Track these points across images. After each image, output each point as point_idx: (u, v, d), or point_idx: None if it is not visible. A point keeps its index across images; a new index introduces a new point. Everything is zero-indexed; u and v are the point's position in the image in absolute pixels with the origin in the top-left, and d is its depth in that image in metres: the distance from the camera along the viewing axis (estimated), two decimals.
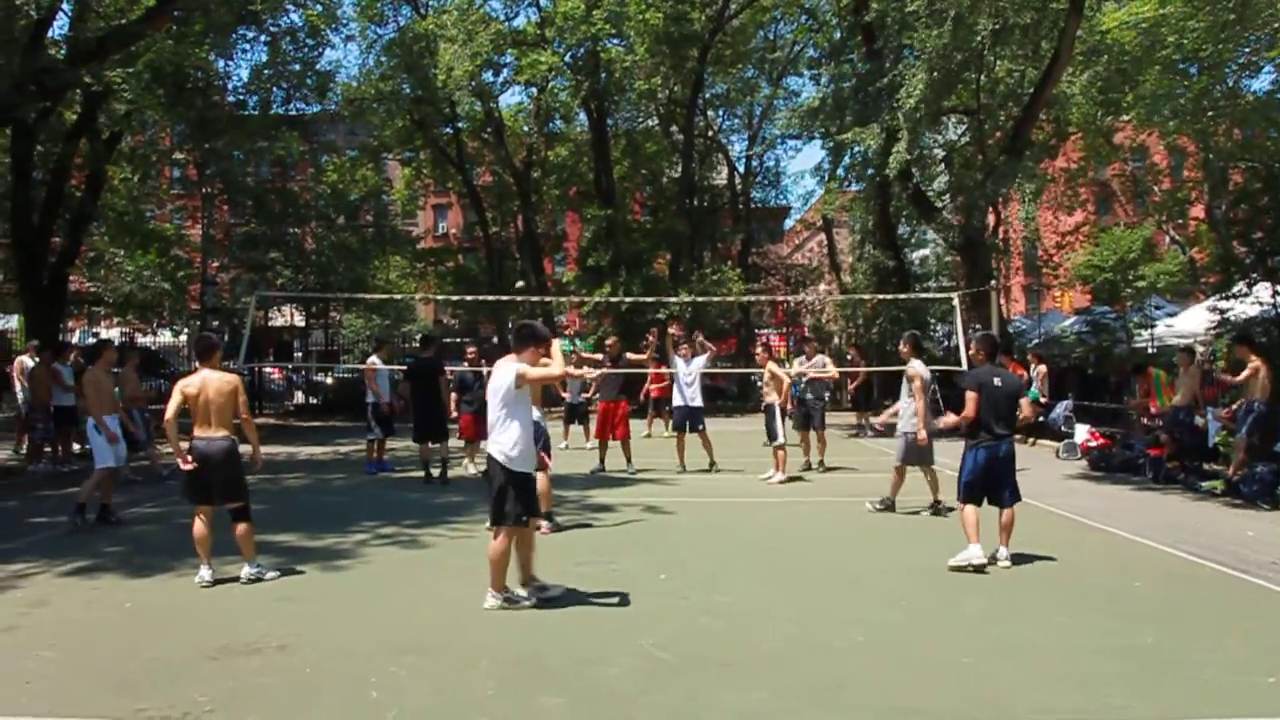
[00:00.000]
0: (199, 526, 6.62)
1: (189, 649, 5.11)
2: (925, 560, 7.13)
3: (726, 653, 5.07)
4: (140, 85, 16.38)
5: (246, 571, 6.60)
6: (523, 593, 6.01)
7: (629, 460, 12.83)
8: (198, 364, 7.00)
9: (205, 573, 6.53)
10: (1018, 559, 7.21)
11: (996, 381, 7.11)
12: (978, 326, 21.50)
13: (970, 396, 7.06)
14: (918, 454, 9.40)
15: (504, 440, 5.86)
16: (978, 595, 6.30)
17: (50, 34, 16.52)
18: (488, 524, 8.32)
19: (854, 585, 6.61)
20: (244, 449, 6.87)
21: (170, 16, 15.53)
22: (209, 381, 6.66)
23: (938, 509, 9.48)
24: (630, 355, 15.05)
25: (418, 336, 20.57)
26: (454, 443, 12.83)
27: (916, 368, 9.36)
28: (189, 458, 6.62)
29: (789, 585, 6.61)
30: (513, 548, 5.98)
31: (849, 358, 23.41)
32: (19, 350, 17.56)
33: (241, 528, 6.67)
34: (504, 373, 5.90)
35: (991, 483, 7.11)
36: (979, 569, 6.81)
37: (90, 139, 19.39)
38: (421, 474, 12.12)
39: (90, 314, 29.97)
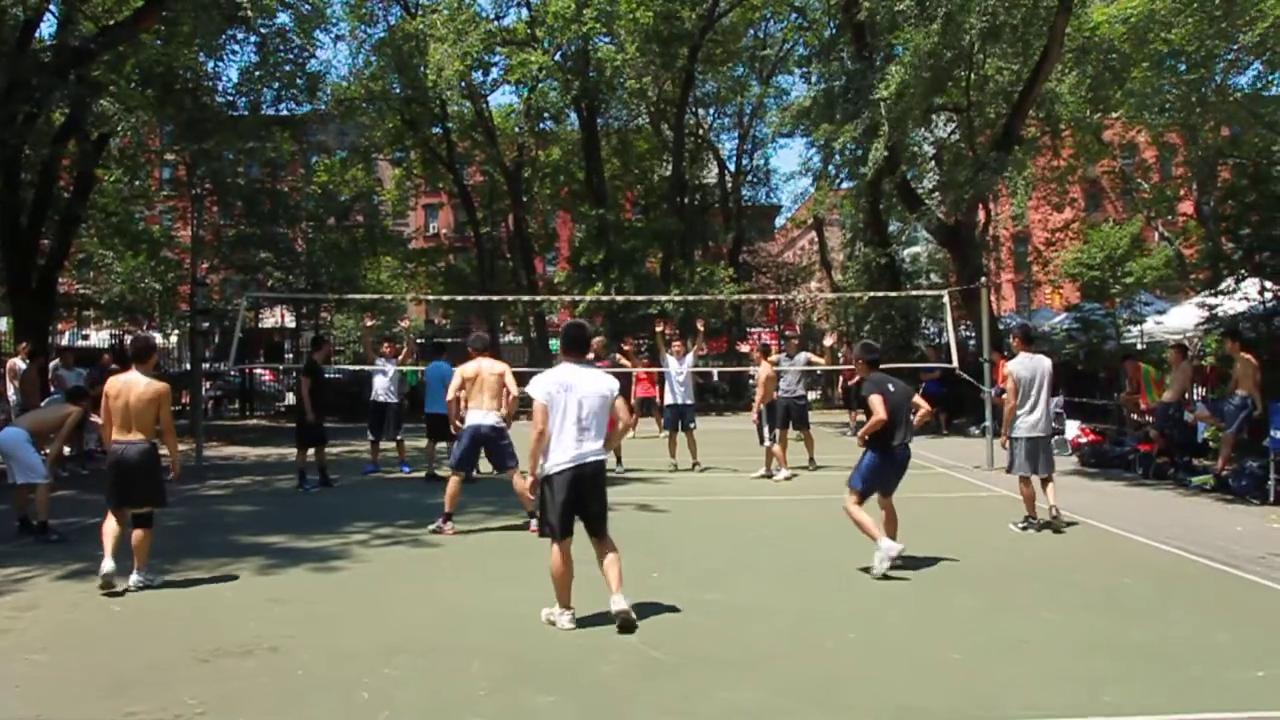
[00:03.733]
0: (111, 523, 6.48)
1: (180, 651, 5.09)
2: (916, 558, 7.14)
3: (719, 651, 5.08)
4: (129, 87, 16.29)
5: (134, 580, 6.41)
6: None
7: (619, 460, 12.81)
8: (133, 365, 6.66)
9: (109, 564, 6.31)
10: (1010, 556, 7.22)
11: (891, 388, 7.04)
12: (969, 324, 21.60)
13: (876, 399, 6.90)
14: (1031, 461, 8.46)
15: (601, 449, 5.60)
16: (968, 592, 6.33)
17: (38, 34, 16.43)
18: (533, 524, 8.28)
19: (846, 583, 6.63)
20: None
21: (159, 16, 15.42)
22: (133, 386, 6.48)
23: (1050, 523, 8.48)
24: (619, 358, 15.07)
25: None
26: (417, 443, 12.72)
27: (1011, 365, 8.69)
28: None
29: (782, 583, 6.63)
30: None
31: (840, 355, 23.45)
32: (8, 352, 17.45)
33: (140, 533, 6.47)
34: (607, 383, 5.59)
35: (885, 484, 7.13)
36: (899, 557, 6.74)
37: (79, 140, 19.27)
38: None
39: (80, 316, 29.81)
